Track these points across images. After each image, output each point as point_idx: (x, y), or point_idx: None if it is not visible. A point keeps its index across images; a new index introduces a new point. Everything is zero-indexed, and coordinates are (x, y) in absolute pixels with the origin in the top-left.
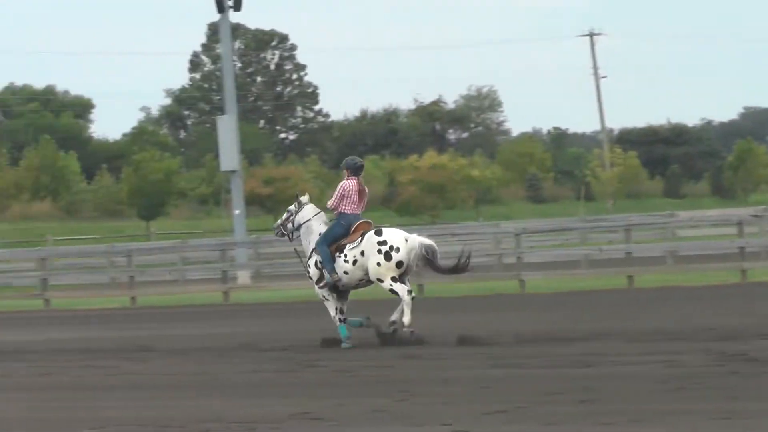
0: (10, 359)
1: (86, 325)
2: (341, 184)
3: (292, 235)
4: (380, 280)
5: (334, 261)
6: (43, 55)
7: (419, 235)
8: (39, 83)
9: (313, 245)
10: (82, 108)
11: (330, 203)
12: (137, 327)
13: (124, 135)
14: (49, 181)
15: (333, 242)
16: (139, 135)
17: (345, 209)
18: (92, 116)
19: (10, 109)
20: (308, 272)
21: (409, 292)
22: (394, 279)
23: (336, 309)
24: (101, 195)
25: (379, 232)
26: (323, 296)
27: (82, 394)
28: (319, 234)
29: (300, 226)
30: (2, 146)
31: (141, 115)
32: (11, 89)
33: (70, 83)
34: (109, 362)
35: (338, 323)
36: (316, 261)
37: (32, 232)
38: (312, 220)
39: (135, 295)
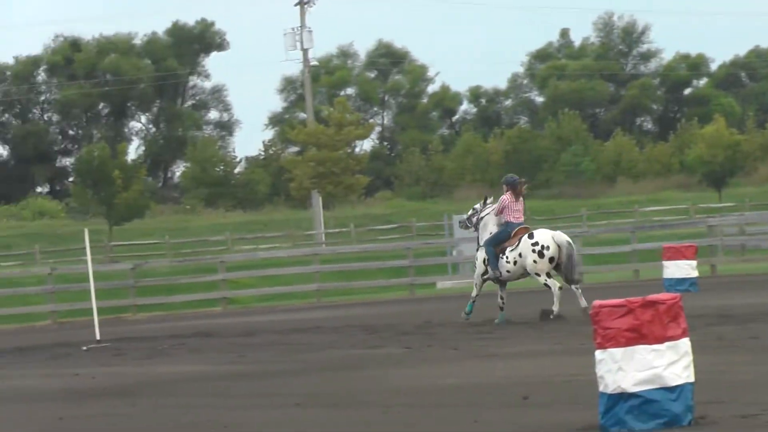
0: (764, 321)
1: None
2: (501, 198)
3: (475, 228)
4: (537, 275)
5: (497, 260)
6: None
7: (562, 233)
8: None
9: (485, 237)
10: None
11: (494, 210)
12: None
13: None
14: None
15: (498, 244)
16: None
17: (510, 218)
18: None
19: (756, 72)
20: (475, 263)
21: (560, 287)
22: (548, 274)
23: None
24: None
25: (531, 235)
26: (475, 283)
27: None
28: (490, 232)
29: (480, 220)
30: (749, 109)
31: None
32: (756, 52)
33: None
34: None
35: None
36: (484, 258)
37: None
38: (488, 218)
39: None
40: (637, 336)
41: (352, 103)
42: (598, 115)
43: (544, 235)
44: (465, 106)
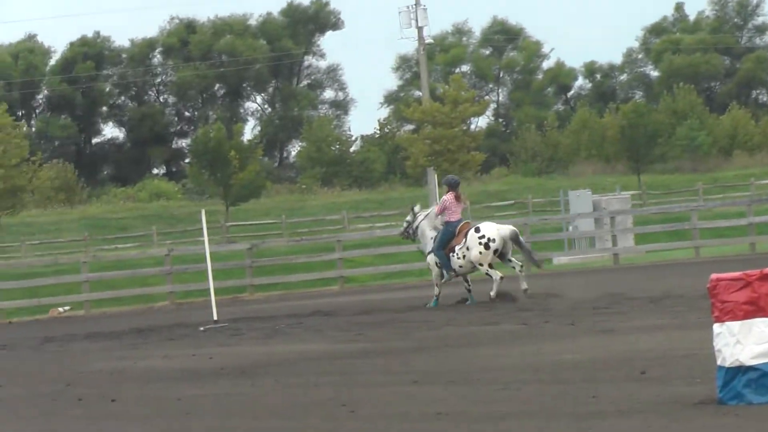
0: None
1: None
2: (443, 198)
3: (413, 239)
4: (480, 265)
5: (449, 260)
6: None
7: (505, 224)
8: None
9: (428, 243)
10: None
11: (435, 211)
12: None
13: None
14: None
15: (446, 246)
16: None
17: (450, 218)
18: None
19: None
20: (429, 267)
21: (520, 266)
22: (490, 265)
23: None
24: None
25: (477, 229)
26: (436, 284)
27: None
28: (431, 238)
29: (415, 230)
30: None
31: None
32: None
33: None
34: None
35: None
36: (436, 262)
37: None
38: (423, 225)
39: None
40: (755, 309)
41: (467, 81)
42: (714, 88)
43: (490, 229)
44: (580, 82)
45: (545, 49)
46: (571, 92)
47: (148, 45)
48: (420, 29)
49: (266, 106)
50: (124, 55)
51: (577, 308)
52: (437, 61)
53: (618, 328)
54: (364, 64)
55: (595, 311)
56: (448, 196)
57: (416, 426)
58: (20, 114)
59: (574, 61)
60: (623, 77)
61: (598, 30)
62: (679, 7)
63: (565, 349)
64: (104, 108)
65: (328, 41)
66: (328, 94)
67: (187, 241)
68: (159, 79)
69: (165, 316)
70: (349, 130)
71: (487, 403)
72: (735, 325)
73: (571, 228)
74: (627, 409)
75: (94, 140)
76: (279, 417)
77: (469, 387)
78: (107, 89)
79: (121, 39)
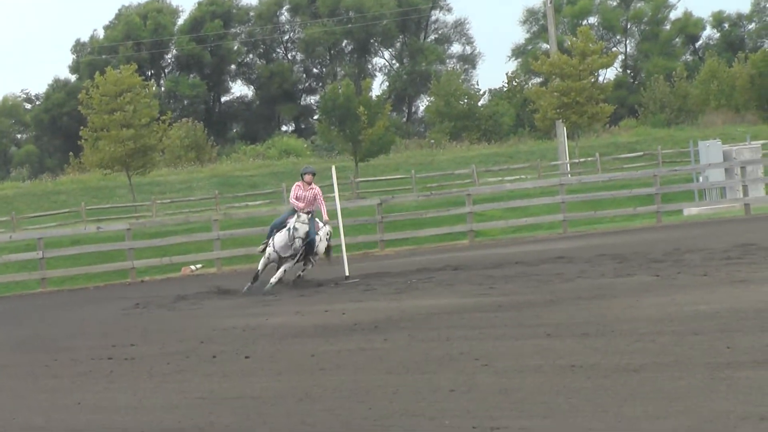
0: None
1: None
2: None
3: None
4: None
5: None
6: None
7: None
8: None
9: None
10: None
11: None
12: None
13: None
14: None
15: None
16: None
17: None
18: None
19: None
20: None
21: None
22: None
23: None
24: None
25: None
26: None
27: None
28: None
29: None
30: None
31: None
32: None
33: None
34: None
35: None
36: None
37: None
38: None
39: None
40: None
41: (595, 32)
42: None
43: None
44: (708, 32)
45: (672, 0)
46: (700, 42)
47: (276, 2)
48: None
49: (394, 62)
50: (251, 13)
51: (710, 259)
52: (565, 14)
53: (752, 278)
54: (491, 18)
55: (727, 262)
56: (300, 184)
57: (550, 379)
58: (149, 74)
59: (702, 11)
60: (752, 26)
61: None
62: None
63: (699, 299)
64: (233, 66)
65: None
66: (456, 48)
67: None
68: (287, 37)
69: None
70: (477, 84)
71: (620, 354)
72: None
73: (701, 178)
74: (762, 359)
75: (224, 98)
76: (412, 371)
77: (602, 339)
78: (235, 47)
79: None
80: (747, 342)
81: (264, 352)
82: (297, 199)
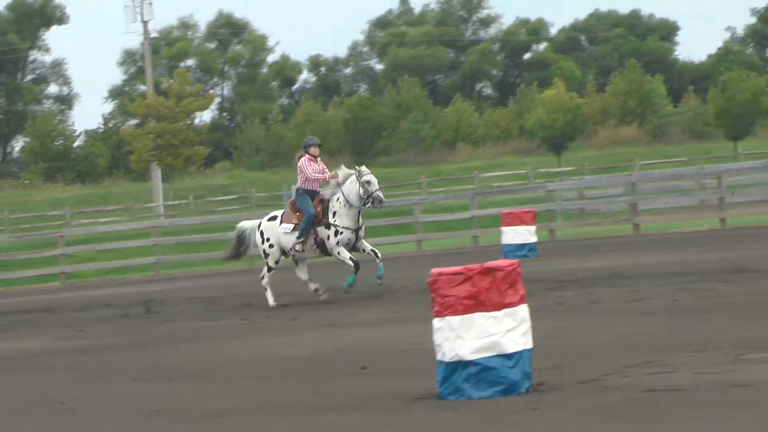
0: (604, 285)
1: (677, 249)
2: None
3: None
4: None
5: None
6: None
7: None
8: (623, 8)
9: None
10: (667, 31)
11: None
12: (729, 249)
13: (710, 56)
14: (636, 105)
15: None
16: (725, 55)
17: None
18: (677, 38)
19: (595, 35)
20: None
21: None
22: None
23: None
24: (688, 117)
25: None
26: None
27: (678, 317)
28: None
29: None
30: (589, 72)
31: (726, 36)
32: (596, 15)
33: (655, 7)
34: (705, 285)
35: None
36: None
37: (620, 157)
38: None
39: (725, 217)
40: (475, 303)
41: (192, 75)
42: (438, 81)
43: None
44: (305, 76)
45: (270, 43)
46: (296, 86)
47: None
48: (145, 23)
49: None
50: None
51: (305, 304)
52: (162, 55)
53: (337, 323)
54: (89, 59)
55: (317, 307)
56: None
57: (134, 424)
58: None
59: (300, 54)
60: (348, 71)
61: (323, 23)
62: (404, 0)
63: (287, 343)
64: None
65: (53, 36)
66: (53, 89)
67: None
68: None
69: None
70: (73, 125)
71: (207, 398)
72: (455, 320)
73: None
74: (345, 403)
75: None
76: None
77: (190, 383)
78: None
79: None
80: (332, 386)
81: None
82: (316, 172)
